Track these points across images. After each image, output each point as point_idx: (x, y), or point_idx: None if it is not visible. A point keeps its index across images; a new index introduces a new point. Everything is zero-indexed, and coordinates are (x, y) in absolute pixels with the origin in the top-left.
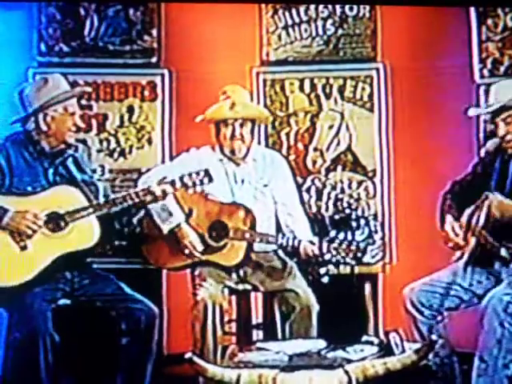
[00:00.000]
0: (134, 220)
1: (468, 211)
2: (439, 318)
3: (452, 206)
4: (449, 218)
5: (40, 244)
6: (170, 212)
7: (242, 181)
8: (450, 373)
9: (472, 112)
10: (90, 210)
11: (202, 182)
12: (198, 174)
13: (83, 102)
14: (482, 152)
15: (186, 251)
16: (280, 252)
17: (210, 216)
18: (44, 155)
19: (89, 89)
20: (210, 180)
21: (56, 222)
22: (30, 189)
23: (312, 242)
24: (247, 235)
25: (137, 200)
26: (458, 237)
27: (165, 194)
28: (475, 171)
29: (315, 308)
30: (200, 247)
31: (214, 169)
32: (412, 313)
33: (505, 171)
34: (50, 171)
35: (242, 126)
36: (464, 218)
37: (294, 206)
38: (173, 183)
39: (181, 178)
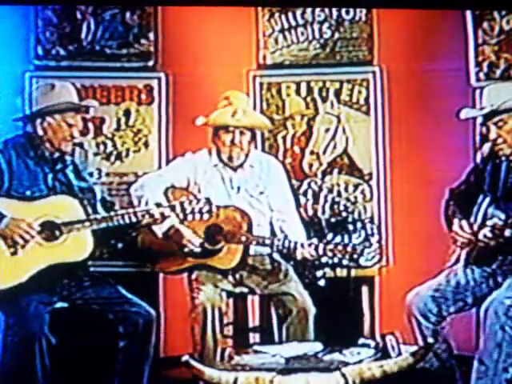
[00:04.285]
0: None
1: (474, 211)
2: (443, 322)
3: (456, 211)
4: (456, 220)
5: (31, 251)
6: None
7: (238, 188)
8: (450, 375)
9: (464, 114)
10: (87, 223)
11: (201, 212)
12: (198, 201)
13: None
14: (478, 155)
15: (186, 249)
16: (275, 255)
17: (206, 220)
18: (45, 160)
19: (95, 104)
20: (210, 211)
21: (51, 231)
22: (28, 193)
23: (308, 245)
24: (243, 238)
25: (134, 220)
26: (467, 233)
27: (164, 217)
28: (470, 176)
29: (312, 311)
30: (198, 242)
31: (210, 174)
32: (418, 318)
33: (497, 174)
34: (50, 176)
35: (242, 133)
36: (472, 217)
37: (289, 213)
38: (172, 208)
39: (181, 204)
